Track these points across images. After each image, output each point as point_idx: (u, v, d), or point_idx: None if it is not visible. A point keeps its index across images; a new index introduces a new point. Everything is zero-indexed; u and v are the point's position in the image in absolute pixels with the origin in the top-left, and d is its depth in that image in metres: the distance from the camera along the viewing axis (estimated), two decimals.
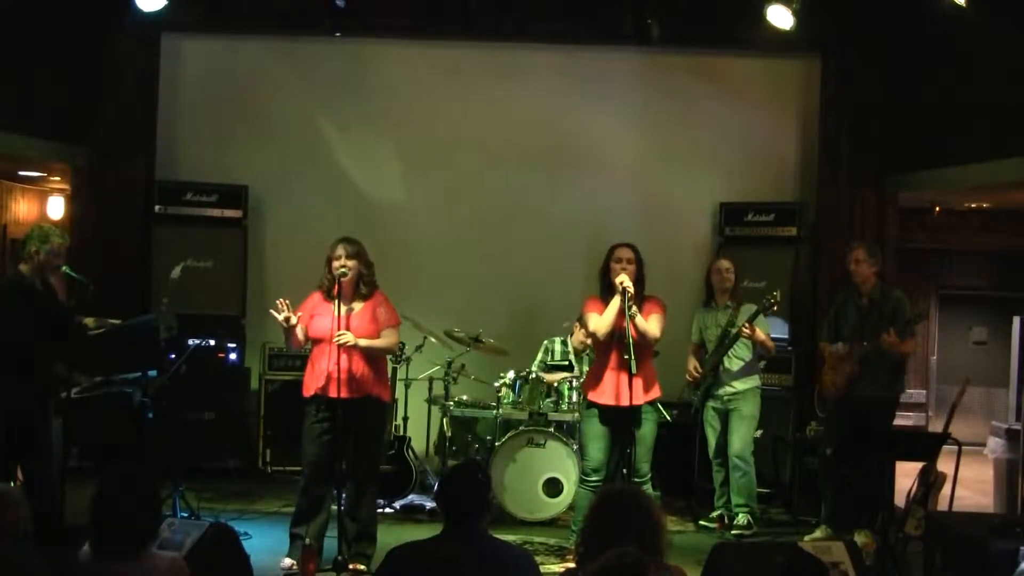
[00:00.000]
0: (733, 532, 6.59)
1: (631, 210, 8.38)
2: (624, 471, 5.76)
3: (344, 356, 5.42)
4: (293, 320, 5.45)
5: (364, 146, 8.57)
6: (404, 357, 7.21)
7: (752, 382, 6.79)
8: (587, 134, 8.54)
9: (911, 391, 9.35)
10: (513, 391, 7.15)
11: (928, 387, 11.36)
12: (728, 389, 6.75)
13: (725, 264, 6.95)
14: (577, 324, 7.15)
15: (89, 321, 5.84)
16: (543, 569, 4.58)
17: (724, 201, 8.38)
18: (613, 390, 5.73)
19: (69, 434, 5.72)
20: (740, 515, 6.63)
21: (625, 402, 5.62)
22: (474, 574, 3.08)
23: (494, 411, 7.12)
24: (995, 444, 7.63)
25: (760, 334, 6.63)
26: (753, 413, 6.76)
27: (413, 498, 7.10)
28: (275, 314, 5.46)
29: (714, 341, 6.80)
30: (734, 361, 6.74)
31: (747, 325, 6.56)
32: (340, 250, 5.53)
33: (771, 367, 7.48)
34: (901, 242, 8.40)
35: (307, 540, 5.43)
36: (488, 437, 7.24)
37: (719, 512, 6.89)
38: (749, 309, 6.69)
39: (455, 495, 3.48)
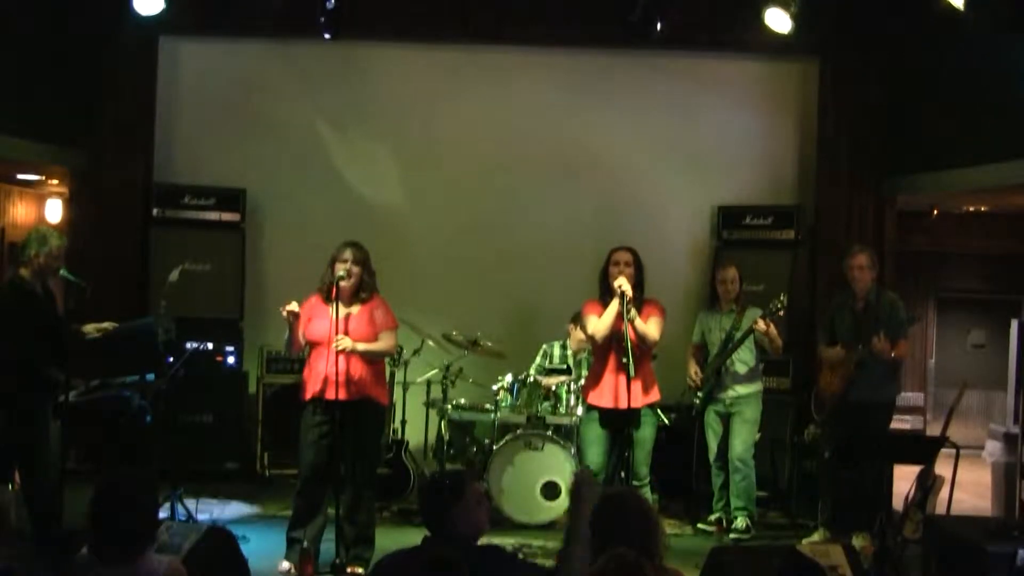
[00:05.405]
0: (731, 535, 6.59)
1: (629, 213, 8.36)
2: (623, 474, 5.76)
3: (342, 359, 5.42)
4: (295, 308, 5.42)
5: (362, 149, 8.56)
6: (402, 360, 7.20)
7: (755, 386, 6.79)
8: (585, 137, 8.52)
9: (908, 394, 9.34)
10: (511, 395, 7.14)
11: (926, 390, 11.35)
12: (731, 393, 6.74)
13: (731, 274, 6.89)
14: (574, 325, 7.15)
15: (89, 328, 5.83)
16: None
17: (722, 204, 8.37)
18: (612, 393, 5.73)
19: (68, 437, 5.70)
20: (739, 518, 6.62)
21: (623, 405, 5.63)
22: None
23: (492, 414, 7.12)
24: (993, 447, 7.64)
25: (772, 329, 6.60)
26: (755, 417, 6.76)
27: (411, 501, 7.11)
28: (281, 310, 5.43)
29: (717, 344, 6.80)
30: (738, 365, 6.74)
31: (759, 320, 6.51)
32: (347, 254, 5.53)
33: (769, 370, 7.45)
34: (899, 245, 8.39)
35: (305, 543, 5.43)
36: (486, 440, 7.22)
37: (717, 515, 6.90)
38: (754, 313, 6.67)
39: (427, 510, 3.48)
